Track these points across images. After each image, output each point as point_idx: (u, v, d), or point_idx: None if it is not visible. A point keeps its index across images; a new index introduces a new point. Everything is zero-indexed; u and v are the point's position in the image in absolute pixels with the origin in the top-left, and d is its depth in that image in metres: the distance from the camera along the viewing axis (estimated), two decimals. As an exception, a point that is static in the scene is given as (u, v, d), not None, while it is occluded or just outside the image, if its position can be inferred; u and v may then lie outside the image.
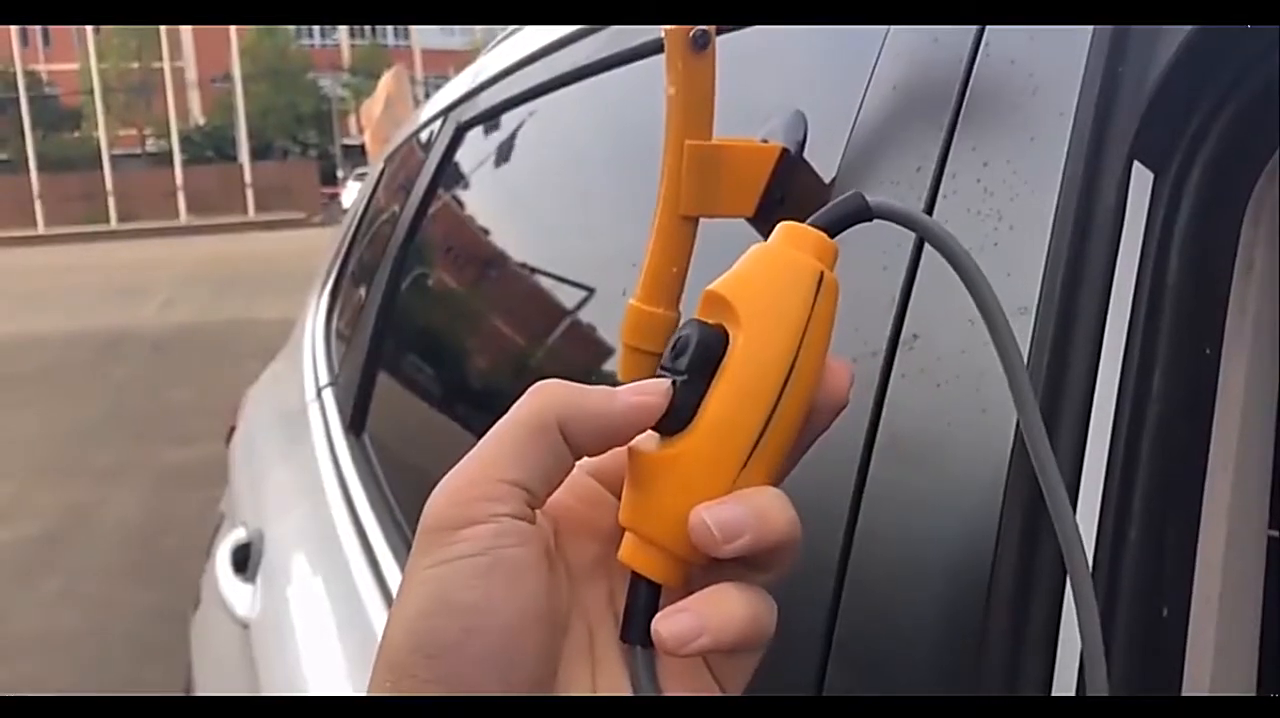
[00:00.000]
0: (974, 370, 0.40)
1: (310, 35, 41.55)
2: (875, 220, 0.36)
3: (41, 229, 27.44)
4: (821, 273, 0.35)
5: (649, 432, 0.34)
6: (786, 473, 0.36)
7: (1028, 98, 0.41)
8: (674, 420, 0.34)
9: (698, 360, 0.34)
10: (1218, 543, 0.39)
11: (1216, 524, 0.39)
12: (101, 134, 30.75)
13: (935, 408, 0.41)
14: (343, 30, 41.99)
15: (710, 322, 0.35)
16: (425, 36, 41.44)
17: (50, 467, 5.40)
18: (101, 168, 29.89)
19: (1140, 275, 0.38)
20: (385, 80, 4.10)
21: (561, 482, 0.35)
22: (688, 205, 0.56)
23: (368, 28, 42.37)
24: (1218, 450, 0.39)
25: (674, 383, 0.34)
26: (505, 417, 0.34)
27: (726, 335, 0.34)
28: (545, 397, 0.34)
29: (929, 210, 0.44)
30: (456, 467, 0.34)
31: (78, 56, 34.28)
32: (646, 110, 0.89)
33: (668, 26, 0.53)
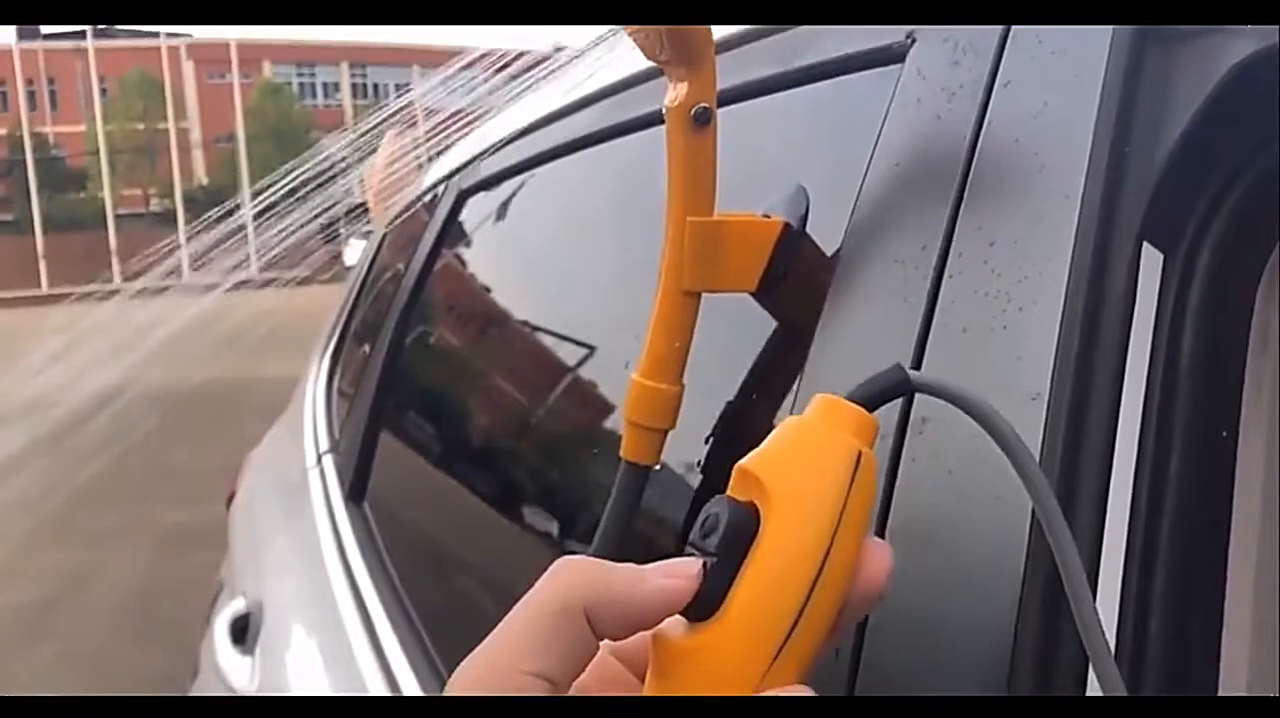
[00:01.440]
0: (988, 456, 0.39)
1: (314, 96, 42.13)
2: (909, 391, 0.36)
3: (45, 289, 27.63)
4: (860, 452, 0.33)
5: (676, 615, 0.33)
6: (817, 660, 0.34)
7: (1033, 178, 0.41)
8: (702, 606, 0.32)
9: (728, 542, 0.32)
10: (1243, 635, 0.37)
11: (1241, 614, 0.37)
12: (106, 194, 31.05)
13: (948, 494, 0.40)
14: (345, 91, 42.55)
15: (741, 499, 0.33)
16: (428, 98, 41.89)
17: (48, 528, 5.36)
18: (106, 227, 30.15)
19: (1153, 358, 0.38)
20: (387, 140, 4.15)
21: (585, 668, 0.33)
22: (690, 281, 0.55)
23: (370, 89, 42.95)
24: (1239, 536, 0.38)
25: (704, 565, 0.32)
26: (527, 598, 0.32)
27: (758, 515, 0.32)
28: (569, 579, 0.32)
29: (935, 291, 0.43)
30: (475, 652, 0.32)
31: (84, 119, 34.73)
32: (648, 179, 0.89)
33: (669, 104, 0.53)
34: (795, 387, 0.52)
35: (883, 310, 0.46)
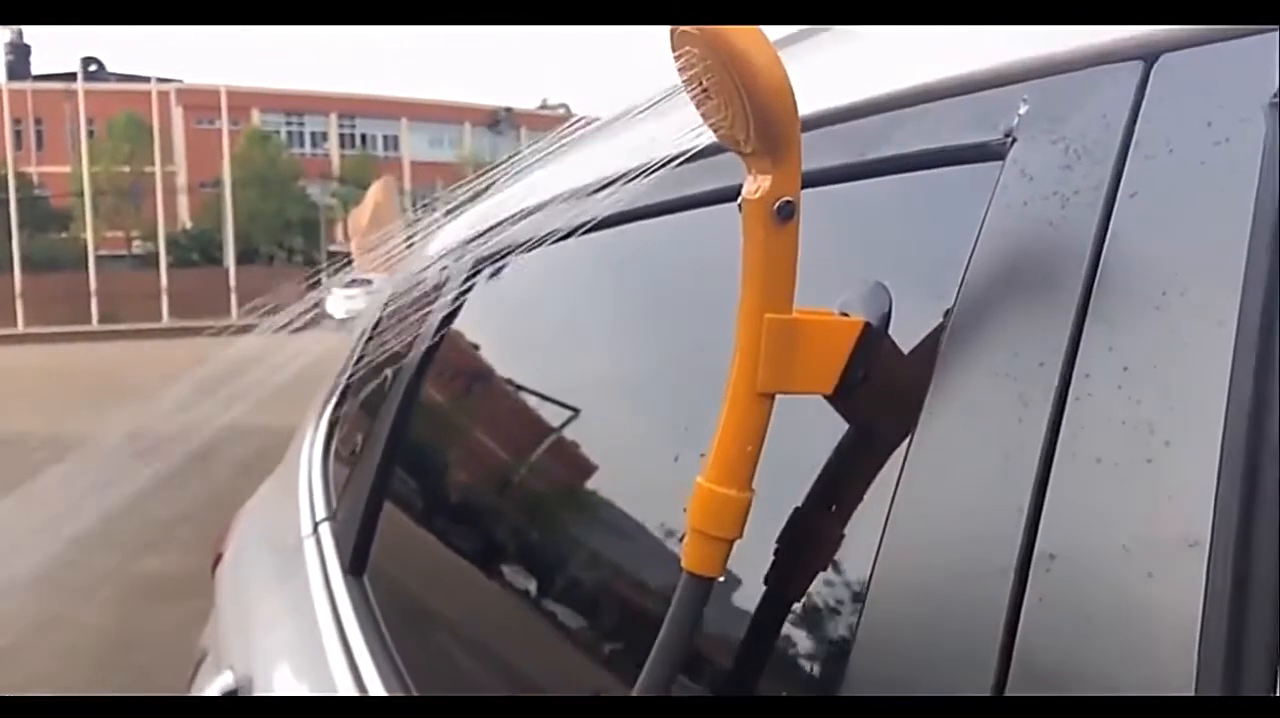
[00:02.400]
0: (1132, 598, 0.35)
1: (301, 145, 42.32)
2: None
3: (21, 328, 27.46)
4: None
5: None
6: None
7: (1175, 300, 0.38)
8: None
9: None
10: None
11: None
12: (89, 235, 30.95)
13: (1084, 640, 0.36)
14: (333, 140, 42.81)
15: None
16: (414, 149, 42.29)
17: (20, 575, 5.22)
18: (87, 268, 30.03)
19: (1316, 503, 0.34)
20: (374, 190, 4.16)
21: None
22: (765, 382, 0.52)
23: (358, 139, 43.23)
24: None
25: None
26: None
27: None
28: None
29: (1058, 414, 0.40)
30: None
31: (70, 160, 34.68)
32: (684, 260, 0.86)
33: (749, 196, 0.50)
34: (882, 497, 0.48)
35: (992, 429, 0.43)
